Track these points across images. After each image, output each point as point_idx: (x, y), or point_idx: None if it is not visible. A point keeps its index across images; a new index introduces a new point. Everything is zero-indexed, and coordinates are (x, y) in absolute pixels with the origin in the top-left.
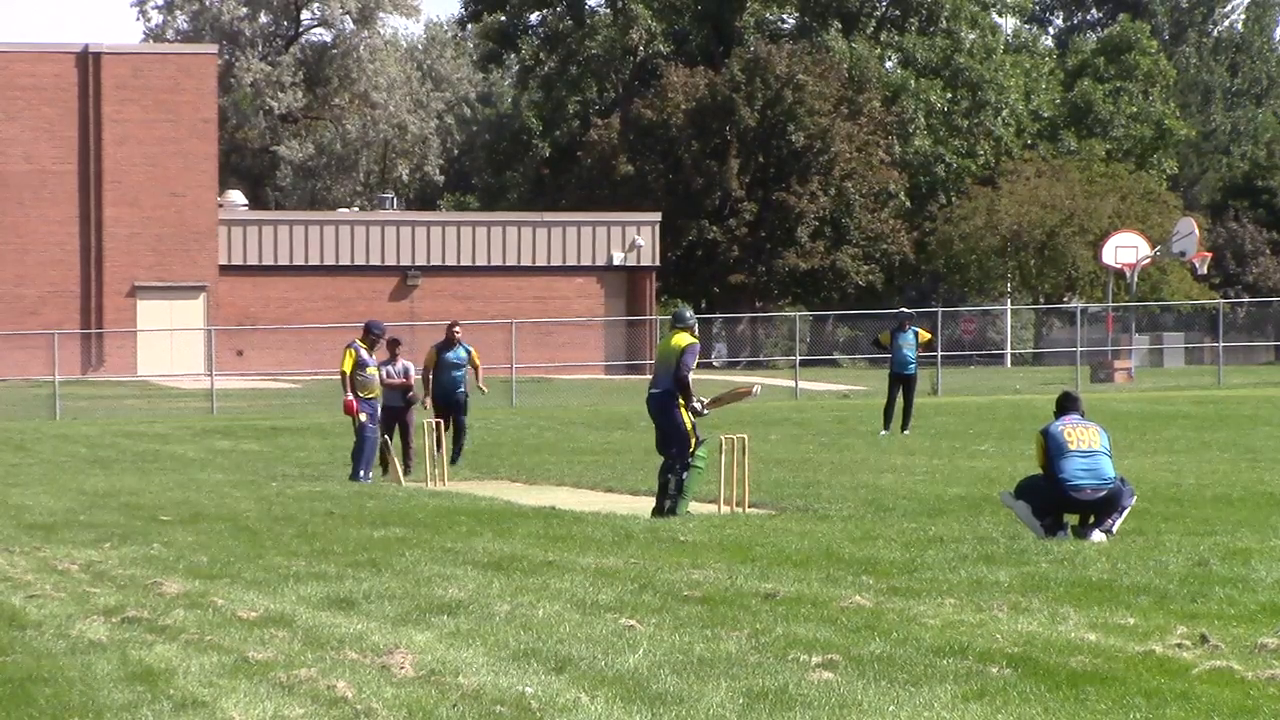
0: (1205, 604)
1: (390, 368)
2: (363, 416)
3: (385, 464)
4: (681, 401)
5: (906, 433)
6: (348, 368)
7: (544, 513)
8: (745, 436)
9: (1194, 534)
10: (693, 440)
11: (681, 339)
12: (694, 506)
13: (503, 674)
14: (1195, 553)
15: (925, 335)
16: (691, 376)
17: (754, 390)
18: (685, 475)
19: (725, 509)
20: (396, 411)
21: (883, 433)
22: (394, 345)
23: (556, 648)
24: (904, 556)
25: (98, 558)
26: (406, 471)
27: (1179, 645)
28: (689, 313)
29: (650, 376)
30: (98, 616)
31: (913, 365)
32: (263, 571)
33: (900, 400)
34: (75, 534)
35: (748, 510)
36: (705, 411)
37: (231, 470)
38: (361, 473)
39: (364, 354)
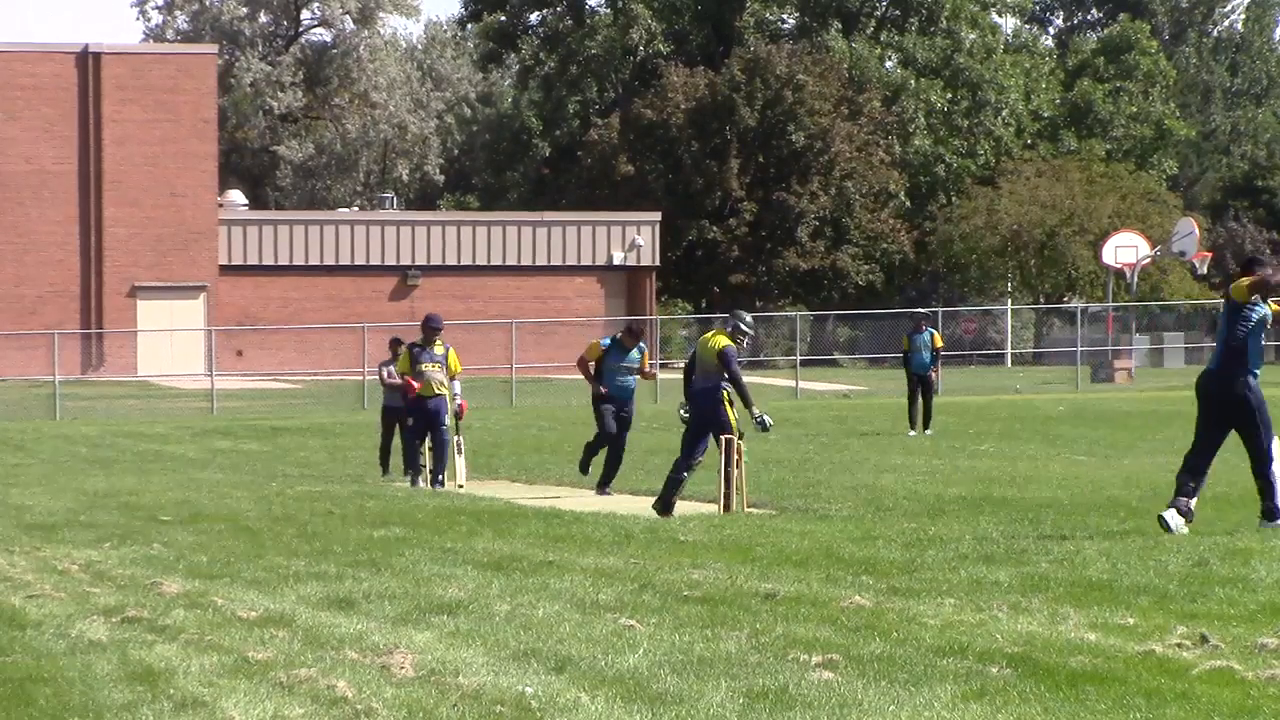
0: (1205, 604)
1: (391, 368)
2: (409, 419)
3: (385, 465)
4: (727, 398)
5: (929, 432)
6: (403, 368)
7: (544, 513)
8: (734, 438)
9: (1194, 534)
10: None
11: (720, 340)
12: (694, 507)
13: (503, 674)
14: (1195, 553)
15: (938, 339)
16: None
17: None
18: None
19: (725, 509)
20: (398, 412)
21: (910, 433)
22: (395, 345)
23: (556, 648)
24: (904, 556)
25: (98, 558)
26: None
27: (1179, 645)
28: (745, 316)
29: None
30: (98, 616)
31: (930, 366)
32: (263, 571)
33: (920, 400)
34: (75, 534)
35: (748, 510)
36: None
37: (231, 470)
38: (441, 477)
39: (418, 352)
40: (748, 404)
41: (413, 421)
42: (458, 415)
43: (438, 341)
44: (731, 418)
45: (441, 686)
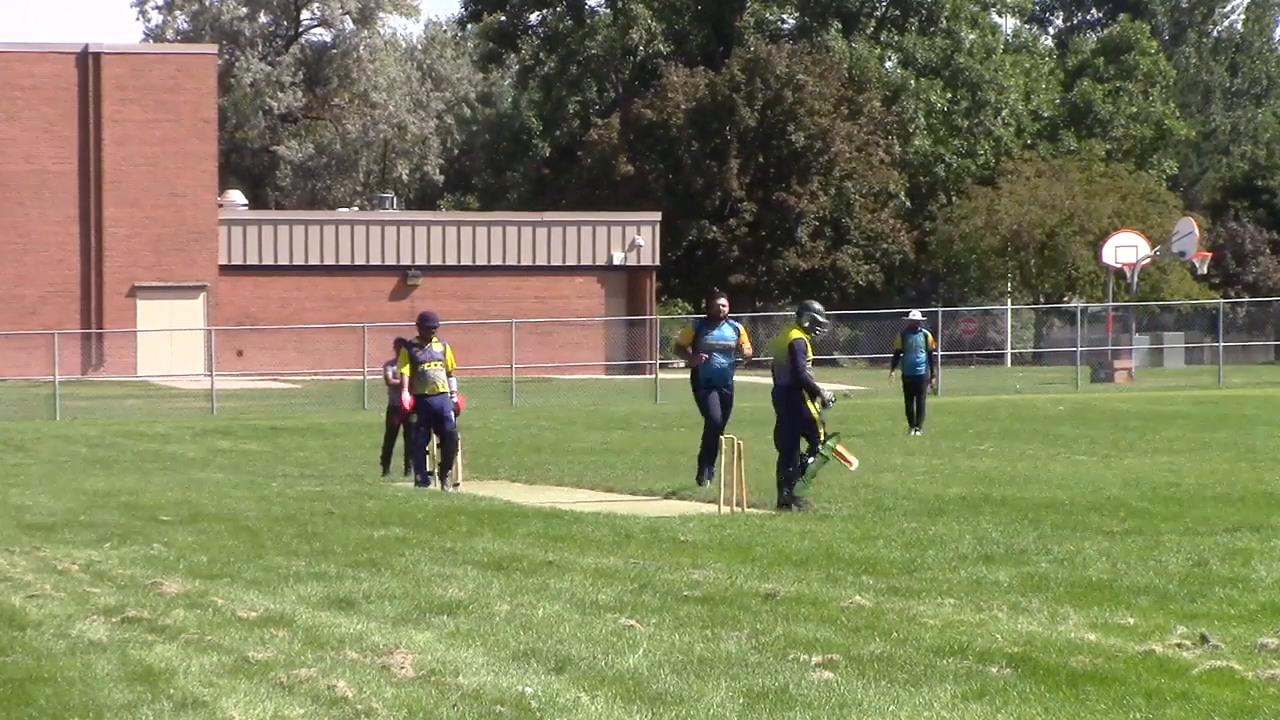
0: (1205, 604)
1: (393, 368)
2: (414, 418)
3: (386, 465)
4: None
5: (920, 432)
6: (405, 370)
7: (544, 513)
8: (734, 438)
9: (1194, 534)
10: (821, 429)
11: (791, 333)
12: (694, 506)
13: (503, 674)
14: (1195, 553)
15: (932, 341)
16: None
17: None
18: (811, 460)
19: (725, 509)
20: (400, 412)
21: (912, 432)
22: (400, 345)
23: (556, 648)
24: (904, 556)
25: (98, 558)
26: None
27: (1179, 645)
28: (817, 307)
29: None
30: (98, 616)
31: (923, 366)
32: (263, 571)
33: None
34: (75, 534)
35: (748, 510)
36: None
37: (231, 470)
38: (418, 476)
39: (416, 352)
40: (814, 395)
41: (417, 420)
42: (455, 412)
43: (435, 338)
44: (814, 412)
45: (441, 686)
